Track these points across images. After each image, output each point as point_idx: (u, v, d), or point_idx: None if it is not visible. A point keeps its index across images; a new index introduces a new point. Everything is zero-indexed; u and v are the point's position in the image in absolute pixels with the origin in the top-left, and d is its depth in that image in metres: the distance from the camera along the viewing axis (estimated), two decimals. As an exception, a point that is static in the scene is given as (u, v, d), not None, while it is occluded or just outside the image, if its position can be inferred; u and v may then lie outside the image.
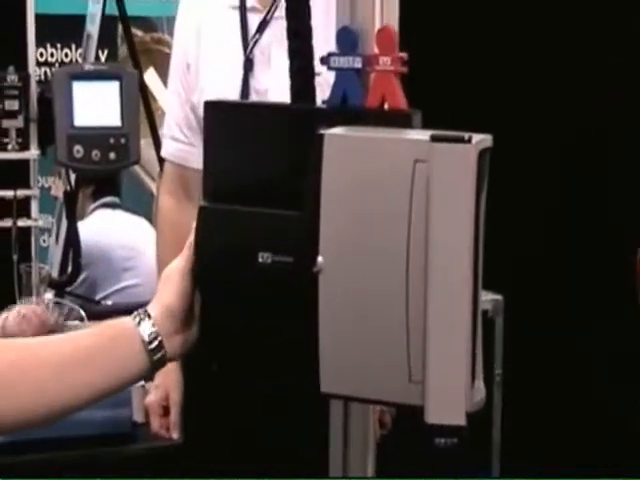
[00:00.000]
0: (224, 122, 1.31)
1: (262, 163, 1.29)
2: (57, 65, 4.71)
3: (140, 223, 4.16)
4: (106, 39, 4.37)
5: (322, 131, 1.20)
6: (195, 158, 2.54)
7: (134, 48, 3.74)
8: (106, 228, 3.98)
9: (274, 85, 2.38)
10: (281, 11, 2.44)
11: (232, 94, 2.38)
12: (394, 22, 1.30)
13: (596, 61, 2.37)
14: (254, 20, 2.46)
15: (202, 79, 2.48)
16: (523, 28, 2.27)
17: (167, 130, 2.59)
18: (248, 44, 2.44)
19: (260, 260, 1.25)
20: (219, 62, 2.47)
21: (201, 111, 2.49)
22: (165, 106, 2.66)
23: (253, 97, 2.40)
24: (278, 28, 2.43)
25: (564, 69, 2.36)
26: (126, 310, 3.46)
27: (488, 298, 2.64)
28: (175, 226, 2.52)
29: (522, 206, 2.71)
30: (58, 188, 3.72)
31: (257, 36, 2.44)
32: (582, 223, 2.61)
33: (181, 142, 2.55)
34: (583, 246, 2.65)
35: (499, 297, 2.62)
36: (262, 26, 2.45)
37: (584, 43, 2.37)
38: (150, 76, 4.59)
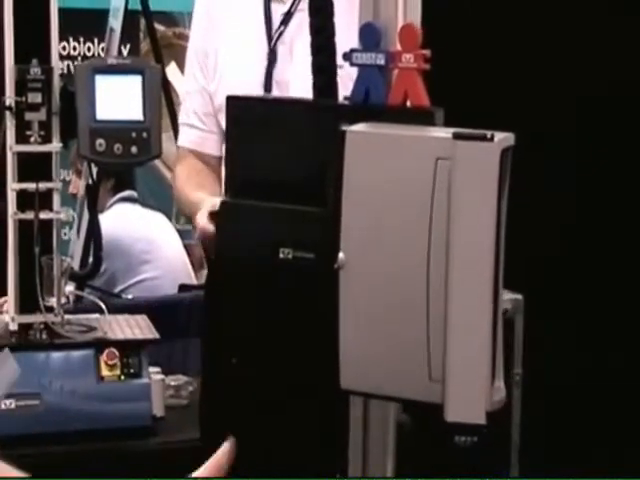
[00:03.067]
0: (246, 117, 1.31)
1: (284, 159, 1.29)
2: (79, 59, 4.73)
3: (158, 217, 4.18)
4: (128, 34, 4.38)
5: (344, 127, 1.20)
6: (212, 144, 2.53)
7: (157, 43, 3.75)
8: (125, 221, 4.00)
9: (296, 77, 2.37)
10: (304, 3, 2.43)
11: (253, 84, 2.37)
12: (416, 19, 1.30)
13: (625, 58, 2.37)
14: (277, 11, 2.46)
15: (221, 68, 2.47)
16: (547, 26, 2.26)
17: (185, 118, 2.56)
18: (272, 36, 2.43)
19: (281, 256, 1.25)
20: (240, 52, 2.46)
21: (218, 100, 2.50)
22: (183, 95, 2.63)
23: (274, 88, 2.40)
24: (302, 20, 2.42)
25: (591, 68, 2.36)
26: (145, 304, 3.46)
27: (507, 297, 2.62)
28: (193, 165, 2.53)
29: (542, 203, 2.69)
30: (75, 186, 3.74)
31: (282, 28, 2.43)
32: (604, 220, 2.60)
33: (199, 129, 2.53)
34: (605, 244, 2.64)
35: (519, 296, 2.61)
36: (286, 18, 2.44)
37: (609, 39, 2.37)
38: (172, 71, 4.60)
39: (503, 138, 1.17)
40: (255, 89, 2.36)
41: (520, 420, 2.56)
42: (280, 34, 2.43)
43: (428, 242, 1.18)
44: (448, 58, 1.38)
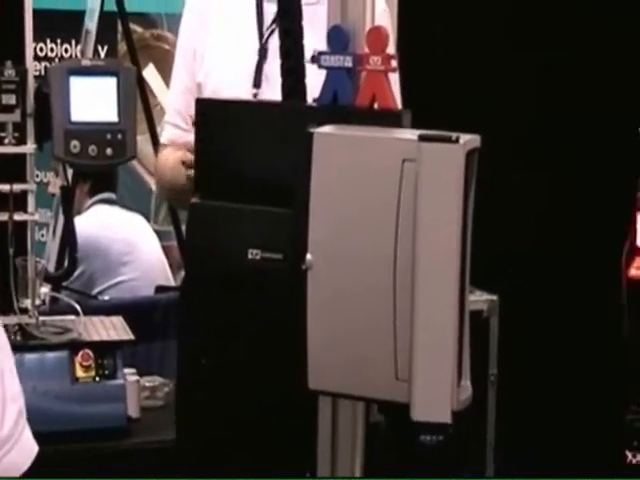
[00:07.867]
0: (216, 119, 1.32)
1: (253, 160, 1.30)
2: (57, 60, 4.71)
3: (137, 219, 4.17)
4: (106, 35, 4.37)
5: (312, 129, 1.21)
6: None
7: (132, 44, 3.75)
8: (104, 223, 3.99)
9: None
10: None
11: (241, 78, 2.39)
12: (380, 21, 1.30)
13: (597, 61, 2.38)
14: (269, 10, 2.47)
15: (208, 64, 2.49)
16: (516, 30, 2.28)
17: (170, 117, 2.58)
18: (263, 32, 2.45)
19: (250, 257, 1.26)
20: (230, 47, 2.49)
21: (206, 92, 2.52)
22: (169, 94, 2.65)
23: (263, 83, 2.42)
24: None
25: (557, 71, 2.38)
26: (121, 305, 3.42)
27: (483, 298, 2.64)
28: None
29: (517, 206, 2.71)
30: (54, 185, 3.72)
31: (273, 26, 2.45)
32: (576, 221, 2.62)
33: (182, 130, 2.55)
34: (578, 245, 2.66)
35: (494, 297, 2.63)
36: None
37: (578, 43, 2.39)
38: (149, 72, 4.59)
39: (469, 140, 1.18)
40: (244, 83, 2.39)
41: (495, 419, 2.57)
42: (272, 32, 2.45)
43: (395, 243, 1.19)
44: (418, 61, 1.39)
